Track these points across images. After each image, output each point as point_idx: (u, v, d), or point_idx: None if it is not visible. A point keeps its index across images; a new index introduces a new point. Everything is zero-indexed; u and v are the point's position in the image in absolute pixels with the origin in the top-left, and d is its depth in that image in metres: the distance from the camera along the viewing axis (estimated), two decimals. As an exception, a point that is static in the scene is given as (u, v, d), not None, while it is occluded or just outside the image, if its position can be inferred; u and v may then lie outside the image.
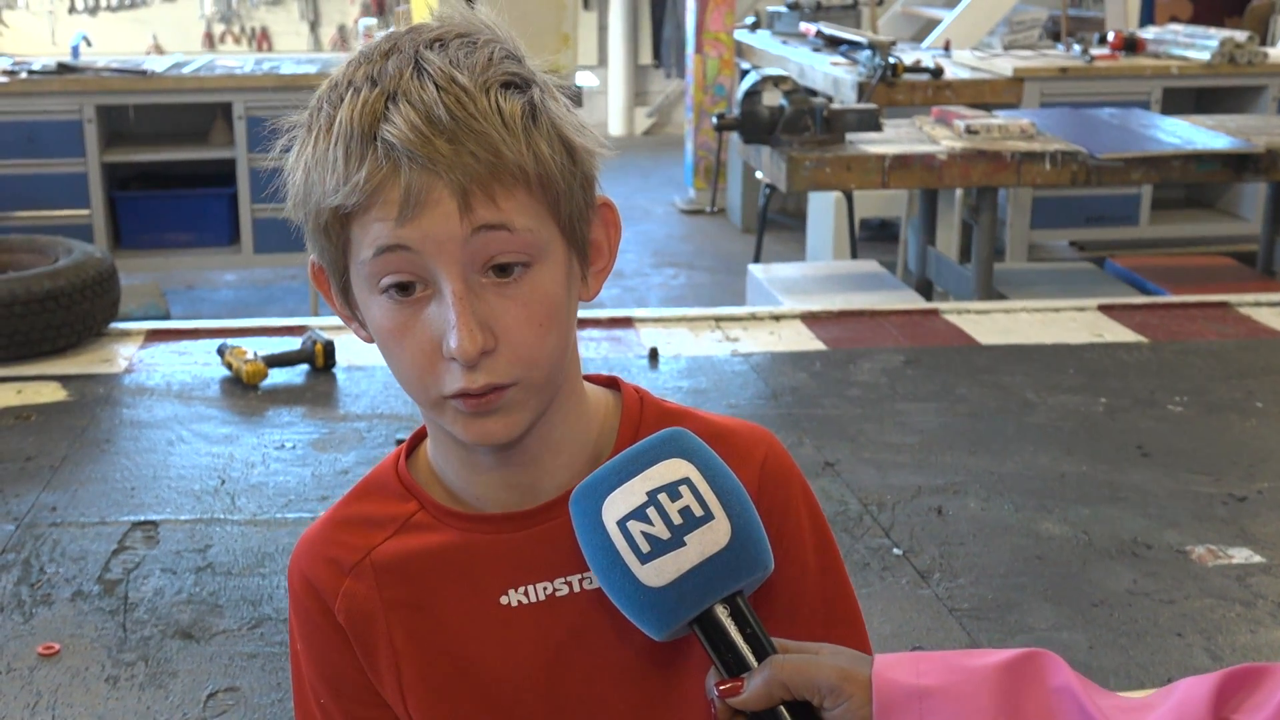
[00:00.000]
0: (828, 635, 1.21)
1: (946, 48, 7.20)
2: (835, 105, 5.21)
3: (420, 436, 1.25)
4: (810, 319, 4.85)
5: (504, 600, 1.18)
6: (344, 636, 1.20)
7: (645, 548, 1.04)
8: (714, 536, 1.04)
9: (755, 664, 1.05)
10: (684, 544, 1.04)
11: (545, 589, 1.18)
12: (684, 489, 1.05)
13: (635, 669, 1.19)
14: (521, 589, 1.18)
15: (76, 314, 4.39)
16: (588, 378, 1.24)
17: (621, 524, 1.04)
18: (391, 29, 1.14)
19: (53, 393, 4.14)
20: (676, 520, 1.04)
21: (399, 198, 1.03)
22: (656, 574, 1.03)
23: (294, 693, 1.28)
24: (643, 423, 1.21)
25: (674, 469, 1.06)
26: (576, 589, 1.18)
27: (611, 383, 1.26)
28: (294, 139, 1.12)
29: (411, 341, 1.07)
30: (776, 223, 7.86)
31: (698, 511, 1.04)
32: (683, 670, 1.19)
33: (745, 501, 1.07)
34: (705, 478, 1.06)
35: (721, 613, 1.05)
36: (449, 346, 1.05)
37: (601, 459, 1.18)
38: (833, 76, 6.55)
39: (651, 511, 1.04)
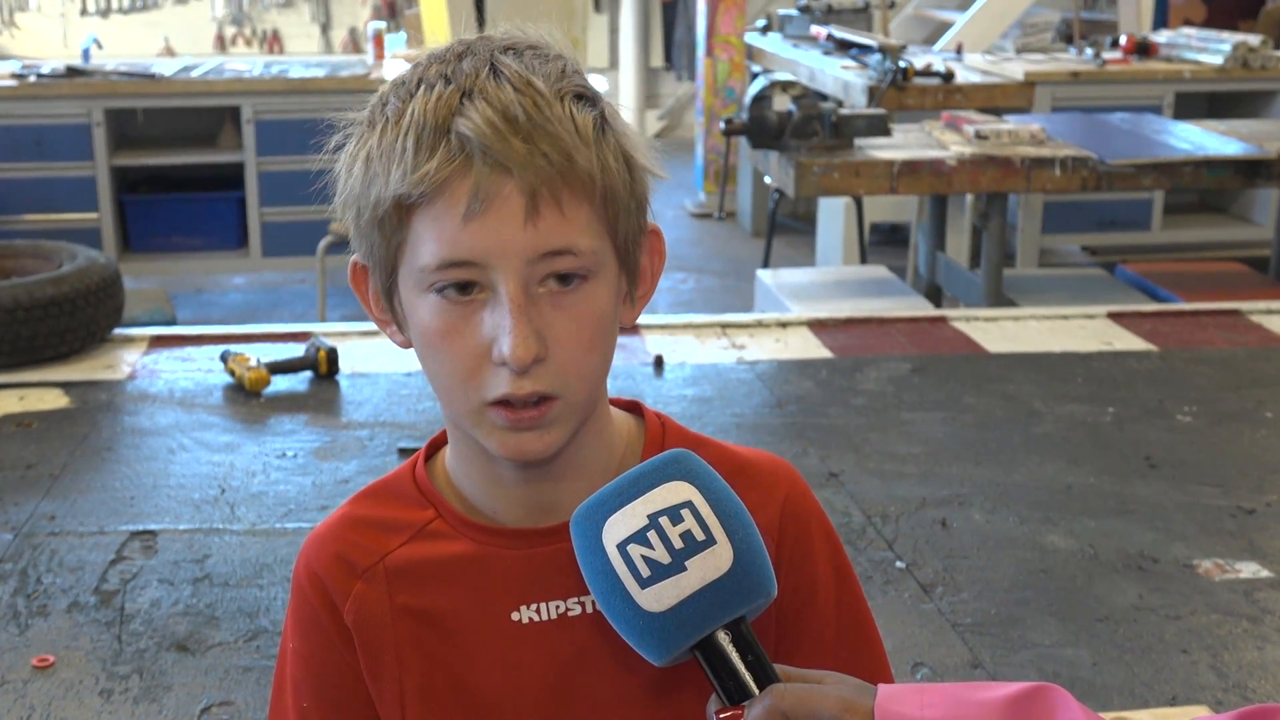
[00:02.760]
0: (847, 669, 1.19)
1: (959, 51, 7.17)
2: (844, 110, 5.17)
3: (438, 444, 1.24)
4: (817, 326, 4.82)
5: (515, 616, 1.17)
6: (347, 638, 1.19)
7: (645, 572, 1.02)
8: (715, 562, 1.02)
9: (757, 692, 1.03)
10: (685, 569, 1.02)
11: (558, 607, 1.17)
12: (686, 512, 1.03)
13: (643, 694, 1.18)
14: (534, 606, 1.17)
15: (80, 320, 4.38)
16: (611, 401, 1.23)
17: (622, 547, 1.03)
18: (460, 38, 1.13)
19: (55, 399, 4.13)
20: (678, 544, 1.02)
21: (467, 193, 1.03)
22: (656, 599, 1.02)
23: (272, 694, 1.25)
24: (665, 447, 1.20)
25: (676, 492, 1.04)
26: (589, 609, 1.17)
27: (634, 407, 1.26)
28: (349, 136, 1.12)
29: (460, 343, 1.06)
30: (787, 227, 7.83)
31: (699, 536, 1.02)
32: (691, 697, 1.16)
33: (749, 526, 1.05)
34: (708, 501, 1.04)
35: (723, 639, 1.03)
36: (501, 351, 1.04)
37: None
38: (843, 80, 6.52)
39: (652, 535, 1.02)
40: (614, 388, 4.23)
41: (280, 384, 4.23)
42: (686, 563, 1.02)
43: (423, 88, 1.07)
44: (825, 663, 1.19)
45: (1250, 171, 5.12)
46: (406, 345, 1.15)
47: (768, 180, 5.98)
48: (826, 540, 1.23)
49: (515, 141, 1.03)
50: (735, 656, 1.03)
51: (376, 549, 1.19)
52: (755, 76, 7.10)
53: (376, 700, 1.19)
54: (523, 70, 1.06)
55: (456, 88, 1.05)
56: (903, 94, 6.22)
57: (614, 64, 11.36)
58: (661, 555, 1.02)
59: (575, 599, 1.16)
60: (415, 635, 1.18)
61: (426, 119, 1.04)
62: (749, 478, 1.16)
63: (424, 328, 1.08)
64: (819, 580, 1.21)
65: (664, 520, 1.02)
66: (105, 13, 10.55)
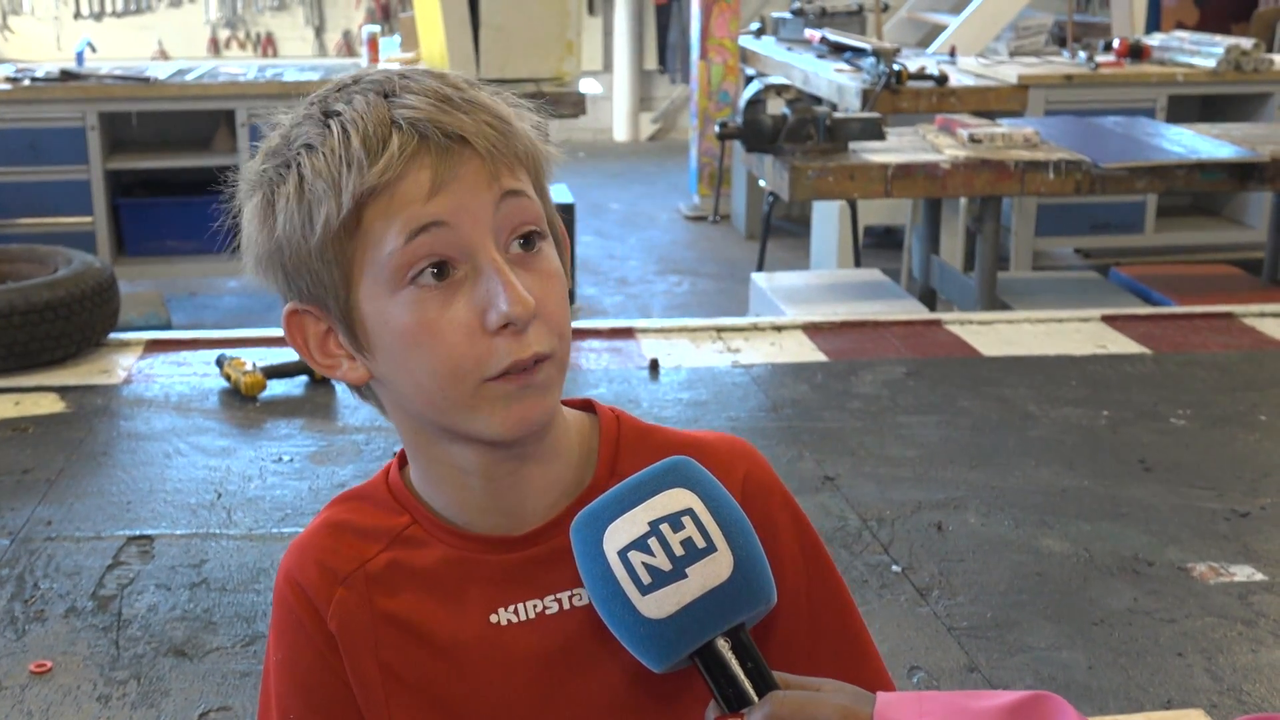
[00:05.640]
0: (821, 653, 1.20)
1: (952, 54, 7.18)
2: (838, 114, 5.18)
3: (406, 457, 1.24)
4: (812, 329, 4.83)
5: (493, 619, 1.17)
6: (332, 645, 1.19)
7: (646, 579, 1.02)
8: (716, 569, 1.03)
9: (756, 699, 1.03)
10: (685, 576, 1.02)
11: (535, 606, 1.18)
12: (687, 519, 1.04)
13: (626, 690, 1.18)
14: (511, 607, 1.18)
15: (75, 324, 4.38)
16: (563, 402, 1.23)
17: (622, 554, 1.03)
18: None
19: (51, 404, 4.13)
20: (678, 551, 1.03)
21: (429, 175, 1.04)
22: (657, 606, 1.02)
23: (259, 708, 1.25)
24: (621, 441, 1.21)
25: (677, 499, 1.05)
26: (566, 606, 1.17)
27: (586, 405, 1.26)
28: (246, 199, 1.12)
29: (447, 329, 1.06)
30: (781, 229, 7.84)
31: (700, 543, 1.03)
32: (674, 691, 1.17)
33: (749, 533, 1.05)
34: (709, 509, 1.05)
35: (723, 646, 1.04)
36: (500, 310, 1.05)
37: (585, 479, 1.19)
38: (837, 83, 6.53)
39: (653, 542, 1.03)
40: (610, 391, 4.26)
41: (276, 388, 4.24)
42: (687, 570, 1.02)
43: (340, 106, 1.07)
44: (800, 642, 1.21)
45: (1243, 174, 5.14)
46: (363, 380, 1.14)
47: (762, 184, 5.99)
48: (791, 516, 1.23)
49: (459, 114, 1.06)
50: (735, 664, 1.03)
51: (356, 555, 1.19)
52: (749, 80, 7.11)
53: (363, 706, 1.20)
54: (428, 70, 1.11)
55: (377, 93, 1.07)
56: (897, 97, 6.23)
57: (608, 67, 11.37)
58: (662, 562, 1.02)
59: (552, 596, 1.17)
60: (396, 640, 1.18)
61: (365, 121, 1.05)
62: (705, 459, 1.15)
63: (402, 328, 1.07)
64: (785, 558, 1.20)
65: (665, 527, 1.03)
66: (99, 16, 10.54)
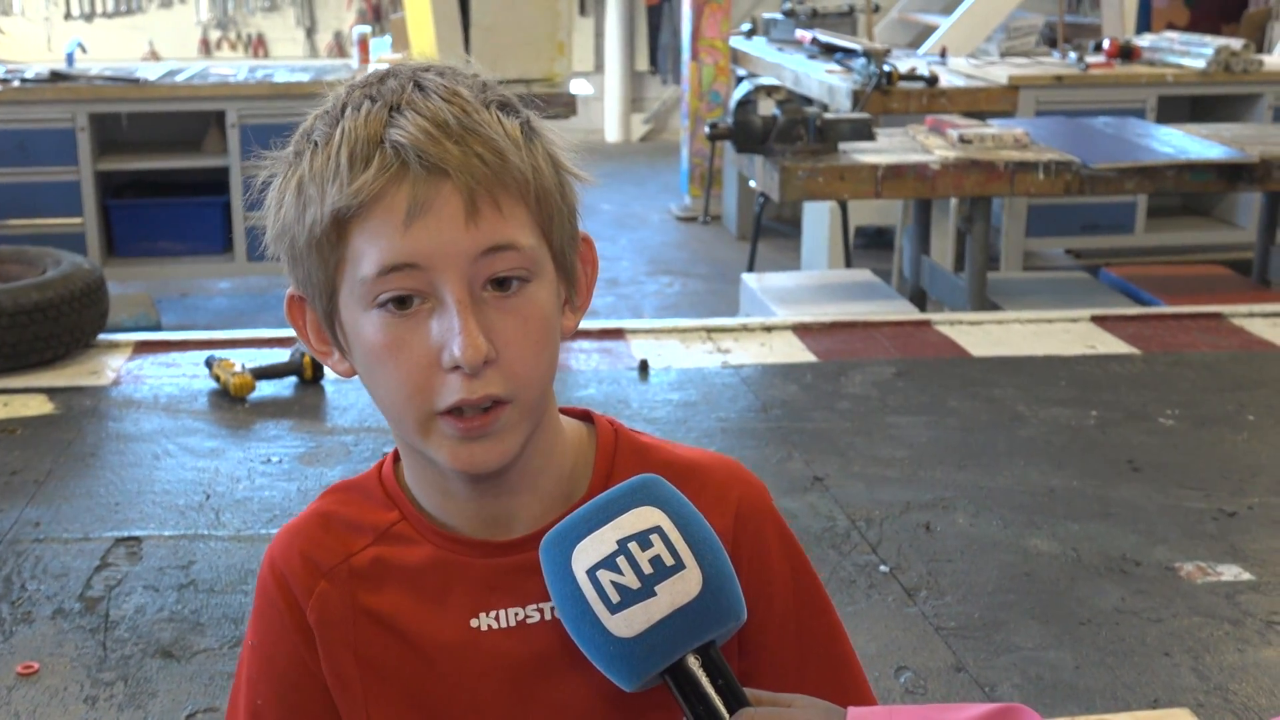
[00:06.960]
0: (809, 675, 1.20)
1: (943, 54, 7.18)
2: (828, 115, 5.19)
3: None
4: (802, 330, 4.84)
5: (474, 623, 1.17)
6: (308, 638, 1.19)
7: (615, 598, 1.02)
8: (685, 586, 1.03)
9: (727, 716, 1.03)
10: (654, 594, 1.02)
11: (517, 614, 1.17)
12: (655, 537, 1.04)
13: (602, 699, 1.18)
14: (493, 613, 1.17)
15: (64, 326, 4.37)
16: (561, 410, 1.23)
17: (591, 573, 1.03)
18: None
19: (39, 405, 4.12)
20: (647, 570, 1.03)
21: (405, 201, 1.03)
22: (626, 624, 1.02)
23: (231, 690, 1.26)
24: (617, 455, 1.21)
25: (645, 517, 1.05)
26: (548, 616, 1.17)
27: (584, 415, 1.25)
28: (275, 174, 1.13)
29: (407, 355, 1.07)
30: (772, 230, 7.84)
31: (669, 561, 1.03)
32: (648, 705, 1.17)
33: (718, 550, 1.06)
34: (677, 526, 1.05)
35: (693, 663, 1.04)
36: (452, 354, 1.04)
37: (577, 492, 1.18)
38: (828, 84, 6.53)
39: (622, 560, 1.03)
40: (600, 392, 4.26)
41: (265, 389, 4.23)
42: (656, 588, 1.02)
43: (349, 110, 1.08)
44: (784, 657, 1.21)
45: (1232, 175, 5.15)
46: (349, 374, 1.15)
47: (752, 184, 5.99)
48: (783, 541, 1.23)
49: (449, 145, 1.04)
50: (705, 681, 1.03)
51: (342, 549, 1.20)
52: (740, 80, 7.12)
53: (339, 700, 1.20)
54: (447, 83, 1.08)
55: (384, 104, 1.07)
56: (887, 98, 6.23)
57: (599, 67, 11.37)
58: (631, 580, 1.02)
59: (534, 605, 1.17)
60: (376, 637, 1.18)
61: (358, 134, 1.05)
62: (700, 481, 1.16)
63: (369, 344, 1.08)
64: (776, 582, 1.21)
65: (633, 545, 1.03)
66: (89, 17, 10.53)
